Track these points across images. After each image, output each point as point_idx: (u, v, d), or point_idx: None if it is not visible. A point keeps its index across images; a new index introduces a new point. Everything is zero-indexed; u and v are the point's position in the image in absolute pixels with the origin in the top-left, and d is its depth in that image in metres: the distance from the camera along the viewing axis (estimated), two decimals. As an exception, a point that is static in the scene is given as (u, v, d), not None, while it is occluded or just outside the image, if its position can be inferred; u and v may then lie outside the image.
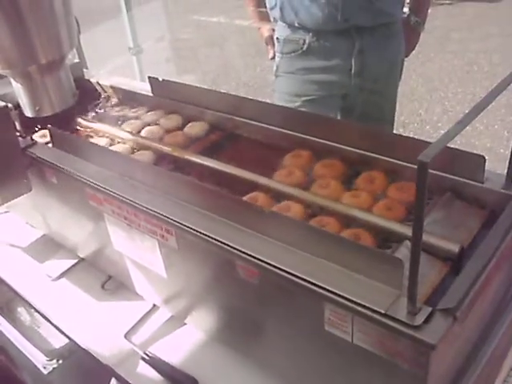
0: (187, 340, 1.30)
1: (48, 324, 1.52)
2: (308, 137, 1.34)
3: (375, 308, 0.82)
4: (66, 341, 1.44)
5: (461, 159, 1.09)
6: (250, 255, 0.97)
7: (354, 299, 0.84)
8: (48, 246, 1.69)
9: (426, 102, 4.80)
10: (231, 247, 0.99)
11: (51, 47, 1.52)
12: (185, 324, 1.34)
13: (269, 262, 0.94)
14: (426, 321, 0.80)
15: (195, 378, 1.20)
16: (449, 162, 1.09)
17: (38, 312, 1.55)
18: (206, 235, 1.03)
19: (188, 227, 1.06)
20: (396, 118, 2.50)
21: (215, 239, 1.01)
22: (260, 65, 5.76)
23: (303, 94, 2.27)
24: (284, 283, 0.93)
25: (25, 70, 1.52)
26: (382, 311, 0.81)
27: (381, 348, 0.85)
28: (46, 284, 1.57)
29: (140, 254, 1.27)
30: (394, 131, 2.57)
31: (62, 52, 1.55)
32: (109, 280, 1.50)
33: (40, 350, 1.55)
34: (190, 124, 1.53)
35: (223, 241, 1.00)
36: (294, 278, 0.91)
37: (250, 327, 1.15)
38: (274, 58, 2.37)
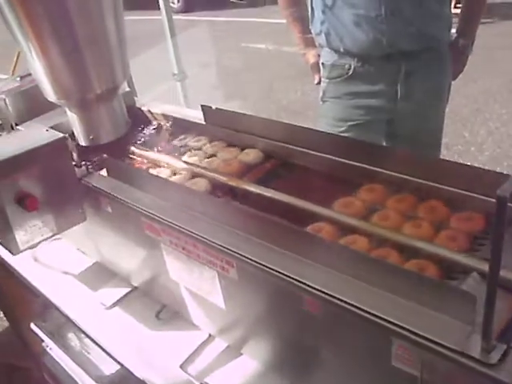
0: (244, 371, 1.29)
1: (99, 350, 1.53)
2: (364, 165, 1.32)
3: (447, 344, 0.80)
4: (117, 367, 1.45)
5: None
6: (314, 288, 0.96)
7: (424, 334, 0.83)
8: (100, 274, 1.70)
9: (470, 123, 4.75)
10: (295, 279, 0.98)
11: (106, 78, 1.56)
12: (241, 354, 1.33)
13: (334, 295, 0.93)
14: (502, 358, 0.77)
15: (253, 410, 1.20)
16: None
17: (90, 338, 1.56)
18: (268, 267, 1.02)
19: (249, 259, 1.06)
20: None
21: (278, 271, 1.01)
22: (301, 89, 5.79)
23: (349, 119, 2.27)
24: (350, 317, 0.92)
25: (80, 99, 1.56)
26: (455, 348, 0.79)
27: (454, 386, 0.83)
28: (100, 312, 1.57)
29: (198, 284, 1.27)
30: (438, 154, 2.53)
31: (116, 82, 1.59)
32: (163, 309, 1.49)
33: (90, 376, 1.56)
34: (245, 151, 1.54)
35: (286, 273, 1.00)
36: (360, 312, 0.90)
37: (309, 359, 1.13)
38: (319, 83, 2.37)
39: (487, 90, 5.34)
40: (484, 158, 4.17)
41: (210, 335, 1.39)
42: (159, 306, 1.50)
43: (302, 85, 5.72)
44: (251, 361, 1.30)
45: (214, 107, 1.60)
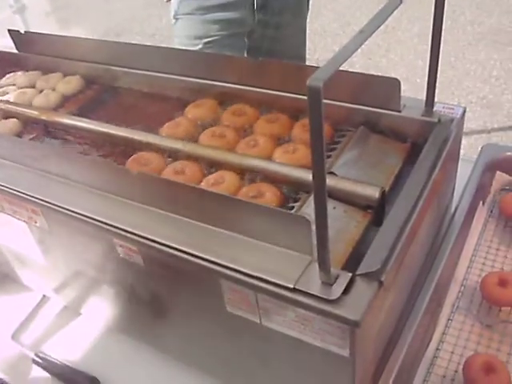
0: (84, 333, 1.12)
1: None
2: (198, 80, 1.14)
3: (280, 282, 0.65)
4: None
5: (372, 86, 0.92)
6: (126, 230, 0.78)
7: (254, 273, 0.67)
8: None
9: (339, 37, 4.64)
10: (106, 224, 0.80)
11: None
12: (80, 314, 1.15)
13: (148, 236, 0.76)
14: (346, 291, 0.63)
15: (96, 378, 1.02)
16: (358, 91, 0.93)
17: None
18: (74, 212, 0.83)
19: (55, 205, 0.86)
20: (310, 56, 2.33)
21: (83, 214, 0.82)
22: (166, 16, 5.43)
23: (204, 36, 2.06)
24: (170, 260, 0.75)
25: None
26: (290, 286, 0.64)
27: (295, 329, 0.69)
28: None
29: (13, 240, 1.07)
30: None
31: None
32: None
33: None
34: (65, 79, 1.30)
35: (92, 215, 0.82)
36: (181, 254, 0.73)
37: (152, 314, 0.96)
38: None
39: (354, 3, 5.24)
40: (355, 69, 4.08)
41: (44, 296, 1.20)
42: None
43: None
44: (93, 321, 1.13)
45: (22, 31, 1.34)
